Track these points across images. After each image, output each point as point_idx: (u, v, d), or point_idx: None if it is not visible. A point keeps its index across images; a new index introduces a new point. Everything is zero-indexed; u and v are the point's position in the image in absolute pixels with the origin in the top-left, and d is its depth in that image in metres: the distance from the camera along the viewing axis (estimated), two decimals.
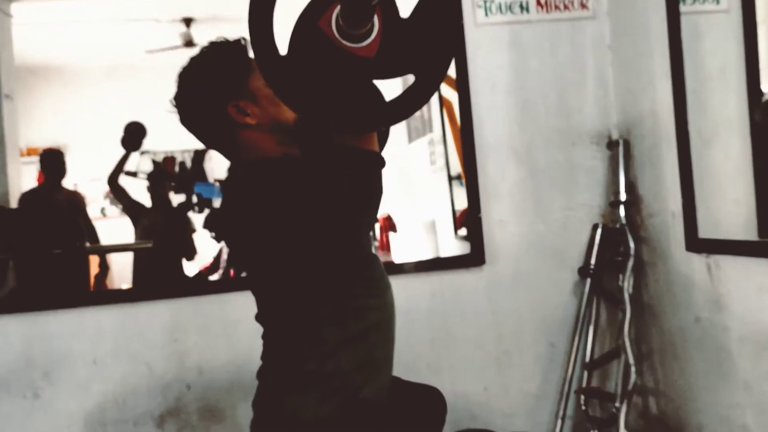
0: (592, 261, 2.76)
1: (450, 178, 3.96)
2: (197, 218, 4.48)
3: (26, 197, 3.62)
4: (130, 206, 4.17)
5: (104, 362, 2.59)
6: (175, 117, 1.47)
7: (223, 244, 4.42)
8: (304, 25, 1.07)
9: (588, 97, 2.84)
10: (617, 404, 2.58)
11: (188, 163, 5.38)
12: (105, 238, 4.18)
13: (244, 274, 2.96)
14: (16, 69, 3.73)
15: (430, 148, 4.27)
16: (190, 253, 4.24)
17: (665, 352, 2.66)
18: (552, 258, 2.82)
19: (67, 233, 3.79)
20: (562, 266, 2.82)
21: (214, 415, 2.64)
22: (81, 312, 2.61)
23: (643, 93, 2.66)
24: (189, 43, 4.79)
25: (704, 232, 2.41)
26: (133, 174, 4.48)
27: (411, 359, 2.57)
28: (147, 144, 4.30)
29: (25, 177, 4.39)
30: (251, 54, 1.45)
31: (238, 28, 1.50)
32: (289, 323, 1.39)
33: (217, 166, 5.17)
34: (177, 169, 5.19)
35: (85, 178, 5.07)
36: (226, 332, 2.64)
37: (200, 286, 2.98)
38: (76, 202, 4.06)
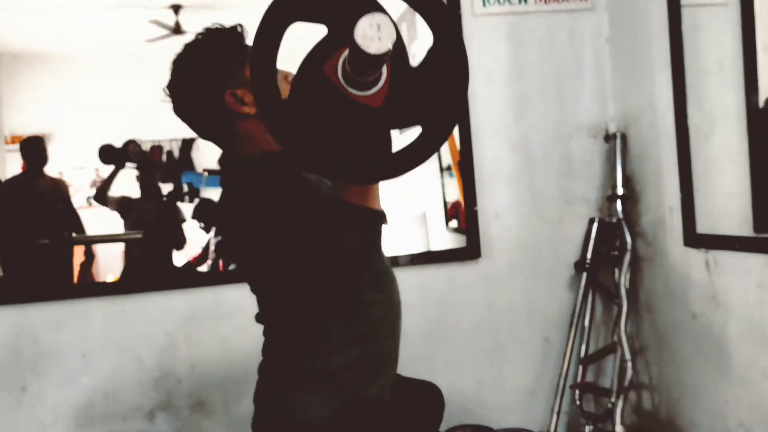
0: (588, 255, 2.74)
1: (441, 169, 3.92)
2: (186, 208, 4.43)
3: (7, 185, 3.56)
4: (120, 206, 4.12)
5: (93, 355, 2.54)
6: (164, 105, 1.42)
7: (212, 234, 4.37)
8: (308, 68, 1.02)
9: (585, 90, 2.81)
10: (613, 400, 2.58)
11: (176, 152, 5.31)
12: (91, 228, 4.12)
13: (233, 266, 2.91)
14: (0, 55, 3.66)
15: None
16: (180, 243, 4.19)
17: (661, 348, 2.65)
18: (548, 252, 2.80)
19: (53, 222, 3.74)
20: (557, 260, 2.80)
21: (205, 410, 2.61)
22: (70, 304, 2.56)
23: (642, 86, 2.63)
24: (177, 30, 4.72)
25: (701, 227, 2.40)
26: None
27: (404, 353, 2.49)
28: (134, 133, 4.23)
29: (10, 165, 4.32)
30: (249, 41, 1.41)
31: (227, 15, 1.46)
32: (293, 320, 1.35)
33: (205, 154, 5.11)
34: (164, 158, 5.13)
35: (71, 167, 4.99)
36: (219, 326, 2.60)
37: (192, 278, 2.93)
38: (59, 189, 4.00)
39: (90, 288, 2.77)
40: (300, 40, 1.11)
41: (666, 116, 2.49)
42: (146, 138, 4.95)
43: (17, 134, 4.80)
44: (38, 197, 3.76)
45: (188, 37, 1.41)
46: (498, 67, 2.76)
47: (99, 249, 4.34)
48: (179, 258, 4.34)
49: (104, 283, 3.49)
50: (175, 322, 2.59)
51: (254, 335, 1.48)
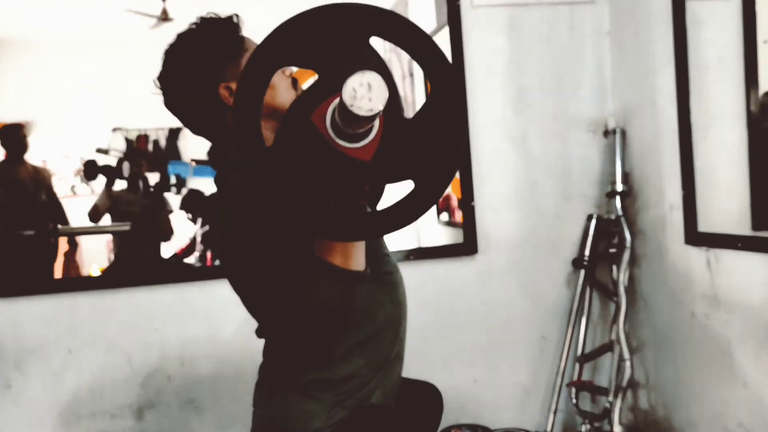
0: (586, 252, 2.70)
1: None
2: (173, 198, 4.35)
3: None
4: (110, 209, 4.03)
5: (80, 351, 2.48)
6: (151, 94, 1.35)
7: (198, 225, 4.30)
8: (294, 116, 0.94)
9: (584, 84, 2.77)
10: (610, 399, 2.55)
11: (162, 142, 5.23)
12: (75, 217, 4.04)
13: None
14: None
15: None
16: (168, 235, 4.12)
17: (658, 346, 2.62)
18: (545, 248, 2.76)
19: (36, 212, 3.65)
20: (555, 257, 2.77)
21: (195, 408, 2.55)
22: (55, 298, 2.49)
23: (643, 81, 2.59)
24: (165, 17, 4.62)
25: (702, 225, 2.36)
26: (105, 152, 4.34)
27: None
28: (120, 121, 4.14)
29: None
30: (245, 32, 1.34)
31: (216, 3, 1.39)
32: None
33: (192, 144, 5.02)
34: (150, 147, 5.04)
35: (56, 155, 4.89)
36: (210, 322, 2.54)
37: (183, 272, 2.86)
38: (40, 178, 3.91)
39: (77, 282, 2.68)
40: None
41: (668, 112, 2.45)
42: (132, 127, 4.87)
43: (0, 121, 4.69)
44: (20, 186, 3.67)
45: (175, 25, 1.33)
46: (497, 60, 2.71)
47: (83, 238, 4.26)
48: (166, 249, 4.27)
49: (91, 277, 3.41)
50: (164, 317, 2.53)
51: (246, 331, 1.42)
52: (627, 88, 2.71)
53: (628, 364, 2.54)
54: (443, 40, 2.66)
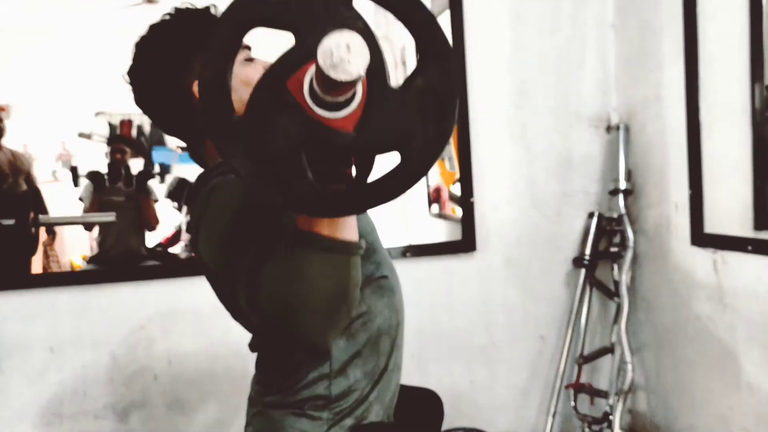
0: (587, 251, 2.64)
1: None
2: (158, 186, 4.24)
3: None
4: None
5: (63, 349, 2.38)
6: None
7: (184, 213, 4.20)
8: (268, 83, 0.84)
9: (587, 78, 2.69)
10: (611, 402, 2.49)
11: (146, 128, 5.10)
12: (54, 204, 3.92)
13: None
14: None
15: None
16: (153, 224, 4.01)
17: (659, 348, 2.57)
18: (545, 246, 2.69)
19: (15, 200, 3.52)
20: (555, 255, 2.70)
21: (183, 408, 2.46)
22: (37, 293, 2.39)
23: (649, 75, 2.52)
24: None
25: (708, 225, 2.30)
26: (87, 136, 4.21)
27: None
28: (103, 105, 4.01)
29: None
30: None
31: None
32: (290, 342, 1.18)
33: None
34: (134, 133, 4.91)
35: (36, 139, 4.76)
36: (198, 319, 2.45)
37: (170, 268, 2.76)
38: (19, 164, 3.78)
39: (59, 277, 2.57)
40: None
41: (674, 108, 2.39)
42: (115, 111, 4.75)
43: None
44: None
45: (160, 7, 1.23)
46: (498, 52, 2.62)
47: (63, 228, 4.14)
48: (150, 239, 4.16)
49: (75, 272, 3.30)
50: (151, 314, 2.44)
51: (235, 329, 1.33)
52: (631, 82, 2.63)
53: (629, 366, 2.49)
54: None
